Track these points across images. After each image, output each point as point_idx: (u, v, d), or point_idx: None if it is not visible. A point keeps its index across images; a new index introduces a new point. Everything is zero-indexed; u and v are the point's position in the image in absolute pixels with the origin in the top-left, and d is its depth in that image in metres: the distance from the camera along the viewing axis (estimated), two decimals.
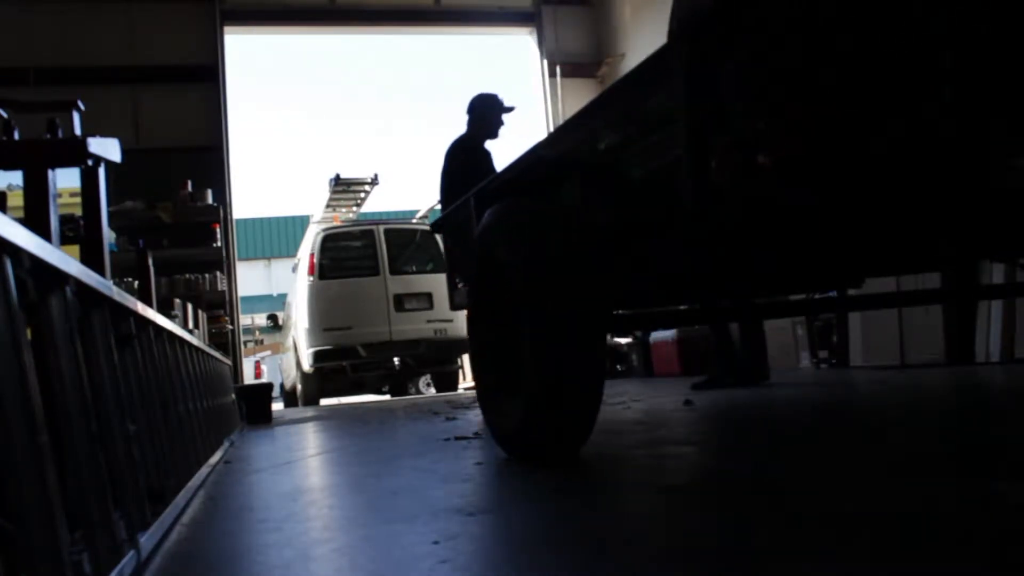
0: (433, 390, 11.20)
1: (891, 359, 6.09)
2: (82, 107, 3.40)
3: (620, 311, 3.21)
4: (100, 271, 2.52)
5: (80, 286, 1.49)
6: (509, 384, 2.67)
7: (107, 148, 3.10)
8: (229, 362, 6.34)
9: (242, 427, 5.76)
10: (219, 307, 9.98)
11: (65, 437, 1.32)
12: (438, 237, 8.08)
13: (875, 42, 1.79)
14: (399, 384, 10.48)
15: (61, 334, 1.35)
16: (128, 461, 1.66)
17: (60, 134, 3.09)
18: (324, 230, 9.79)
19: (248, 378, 13.52)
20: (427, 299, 9.32)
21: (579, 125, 2.56)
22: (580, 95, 10.71)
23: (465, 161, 5.47)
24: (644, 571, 1.29)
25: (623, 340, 9.39)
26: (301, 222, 22.21)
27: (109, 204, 3.48)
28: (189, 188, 10.00)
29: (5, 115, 3.07)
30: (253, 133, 51.73)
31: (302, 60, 63.56)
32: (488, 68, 66.66)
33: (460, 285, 4.13)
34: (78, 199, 3.20)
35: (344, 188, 11.33)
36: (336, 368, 9.39)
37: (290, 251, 21.04)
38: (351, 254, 9.67)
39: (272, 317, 12.67)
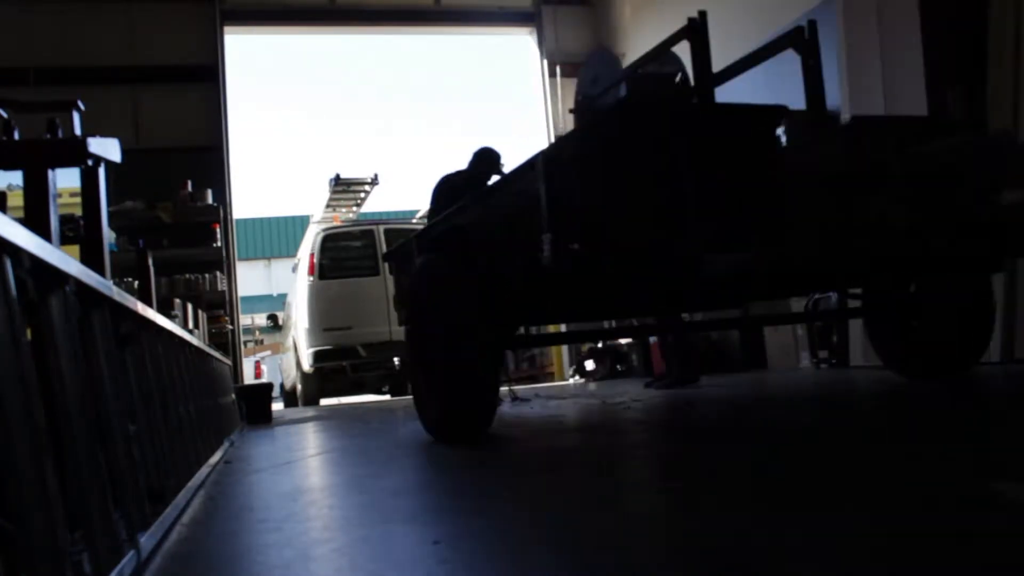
0: None
1: None
2: (82, 107, 3.40)
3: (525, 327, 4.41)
4: (100, 271, 2.51)
5: (80, 286, 1.49)
6: (431, 386, 3.57)
7: (107, 148, 3.10)
8: (229, 362, 6.34)
9: (242, 427, 5.76)
10: (219, 307, 9.98)
11: (65, 437, 1.32)
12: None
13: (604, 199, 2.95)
14: (399, 384, 10.46)
15: (61, 334, 1.35)
16: (128, 461, 1.66)
17: (60, 134, 3.09)
18: (324, 230, 9.78)
19: (248, 378, 13.51)
20: None
21: (480, 203, 3.63)
22: None
23: (450, 201, 5.76)
24: (644, 569, 1.29)
25: (623, 341, 9.40)
26: (301, 222, 22.18)
27: (109, 204, 3.48)
28: (189, 188, 10.00)
29: (5, 115, 3.07)
30: (253, 133, 51.55)
31: (302, 60, 63.55)
32: (488, 68, 66.72)
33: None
34: (78, 199, 3.19)
35: (344, 188, 11.32)
36: (336, 368, 9.38)
37: (290, 251, 21.02)
38: (351, 254, 9.66)
39: (272, 317, 12.67)
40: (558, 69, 11.40)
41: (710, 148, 3.02)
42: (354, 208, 12.10)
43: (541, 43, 11.74)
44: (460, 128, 56.18)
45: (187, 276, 9.75)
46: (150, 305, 2.96)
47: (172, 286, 9.42)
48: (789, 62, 3.63)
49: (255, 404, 6.39)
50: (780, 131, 3.12)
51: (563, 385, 9.31)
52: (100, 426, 1.52)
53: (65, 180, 2.96)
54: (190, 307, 8.51)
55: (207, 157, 10.16)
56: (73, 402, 1.36)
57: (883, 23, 6.26)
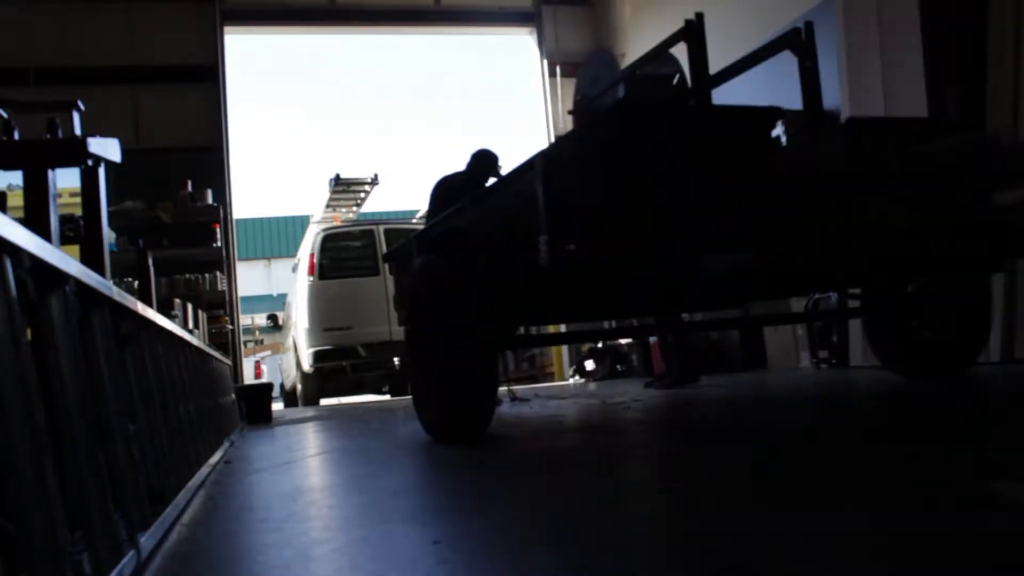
0: None
1: None
2: (82, 107, 3.40)
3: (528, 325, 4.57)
4: (100, 271, 2.51)
5: (80, 286, 1.49)
6: (430, 386, 3.57)
7: (107, 148, 3.10)
8: (229, 362, 6.34)
9: (242, 427, 5.76)
10: (219, 307, 9.98)
11: (65, 437, 1.32)
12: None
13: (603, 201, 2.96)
14: (399, 384, 10.46)
15: (61, 334, 1.35)
16: (128, 461, 1.66)
17: (60, 134, 3.09)
18: (324, 230, 9.78)
19: (248, 378, 13.51)
20: None
21: (478, 204, 3.64)
22: None
23: (448, 202, 5.77)
24: (644, 567, 1.29)
25: (623, 341, 9.40)
26: (301, 222, 22.17)
27: (109, 204, 3.48)
28: (189, 188, 10.00)
29: (5, 115, 3.07)
30: (253, 133, 51.53)
31: (302, 60, 63.54)
32: (488, 68, 66.73)
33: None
34: (78, 199, 3.19)
35: (344, 188, 11.32)
36: (336, 368, 9.38)
37: (290, 251, 21.02)
38: (351, 254, 9.66)
39: (272, 317, 12.66)
40: (558, 69, 11.40)
41: (708, 149, 3.02)
42: (354, 208, 12.10)
43: (541, 43, 11.74)
44: (460, 128, 56.21)
45: (187, 276, 9.75)
46: (150, 305, 2.96)
47: (172, 286, 9.42)
48: (789, 62, 3.63)
49: (255, 404, 6.39)
50: (780, 132, 3.13)
51: (563, 385, 9.32)
52: (100, 426, 1.52)
53: (65, 180, 2.96)
54: (190, 307, 8.51)
55: (207, 157, 10.16)
56: (73, 402, 1.36)
57: (883, 23, 6.26)
